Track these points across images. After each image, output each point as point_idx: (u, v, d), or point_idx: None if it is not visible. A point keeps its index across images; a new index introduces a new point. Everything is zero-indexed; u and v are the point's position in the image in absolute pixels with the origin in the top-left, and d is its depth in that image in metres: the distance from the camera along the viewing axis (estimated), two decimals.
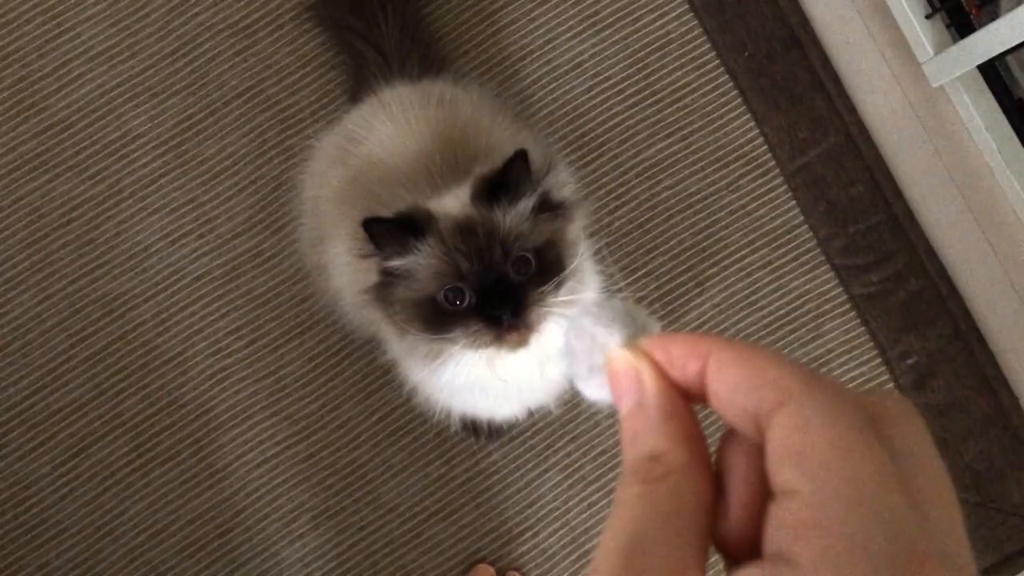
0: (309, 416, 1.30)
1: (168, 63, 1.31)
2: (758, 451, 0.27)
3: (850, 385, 1.33)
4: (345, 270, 1.01)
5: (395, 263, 0.83)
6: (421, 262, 0.81)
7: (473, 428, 1.27)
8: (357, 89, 1.24)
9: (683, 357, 0.30)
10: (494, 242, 0.81)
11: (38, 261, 1.29)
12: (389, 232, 0.82)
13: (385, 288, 0.84)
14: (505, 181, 0.82)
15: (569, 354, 0.35)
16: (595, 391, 0.35)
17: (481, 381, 0.88)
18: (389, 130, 0.99)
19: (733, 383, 0.28)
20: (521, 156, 0.81)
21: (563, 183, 1.05)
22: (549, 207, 0.86)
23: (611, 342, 0.33)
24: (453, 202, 0.84)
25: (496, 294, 0.80)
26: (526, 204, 0.83)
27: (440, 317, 0.81)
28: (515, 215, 0.82)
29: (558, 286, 0.82)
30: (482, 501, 1.30)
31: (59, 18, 1.31)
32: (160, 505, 1.28)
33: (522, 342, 0.81)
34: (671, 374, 0.31)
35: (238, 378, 1.30)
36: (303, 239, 1.13)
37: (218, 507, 1.28)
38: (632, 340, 0.33)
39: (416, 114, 1.00)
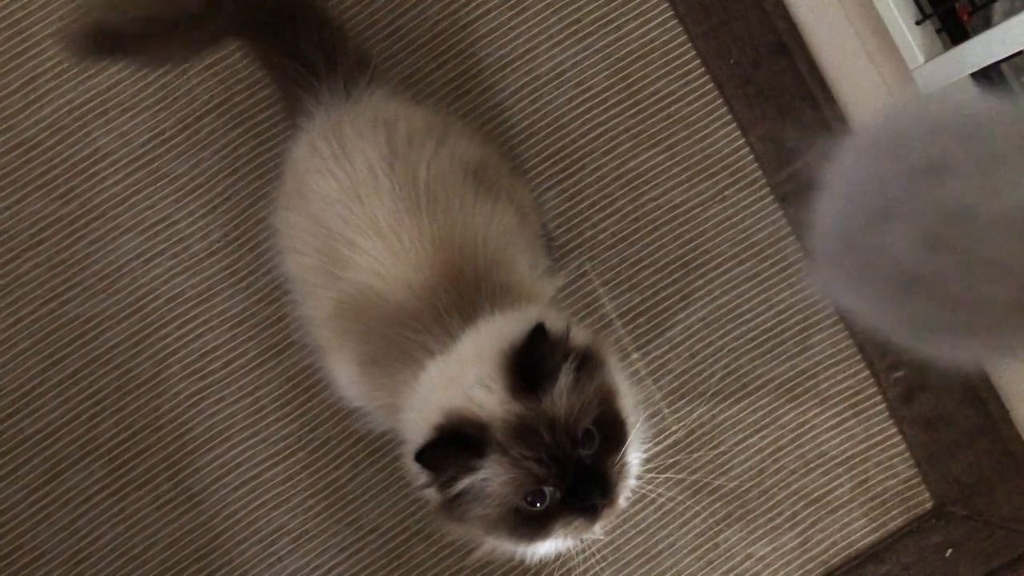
0: (287, 437, 1.28)
1: (137, 78, 1.28)
2: None
3: (838, 399, 1.31)
4: (354, 386, 0.96)
5: (460, 486, 0.78)
6: (490, 478, 0.77)
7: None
8: (292, 108, 1.10)
9: None
10: (559, 435, 0.77)
11: (8, 283, 1.26)
12: (445, 457, 0.77)
13: (454, 509, 0.80)
14: (537, 364, 0.77)
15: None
16: None
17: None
18: (380, 253, 0.90)
19: None
20: (539, 332, 0.76)
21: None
22: (583, 365, 0.81)
23: None
24: (489, 398, 0.78)
25: (580, 483, 0.77)
26: (565, 378, 0.79)
27: (528, 522, 0.79)
28: (561, 395, 0.78)
29: (627, 449, 0.81)
30: None
31: (23, 34, 1.27)
32: (137, 530, 1.26)
33: (615, 512, 0.81)
34: None
35: (214, 400, 1.28)
36: (303, 317, 1.03)
37: (196, 531, 1.27)
38: None
39: (407, 233, 0.90)
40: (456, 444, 0.77)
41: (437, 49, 1.30)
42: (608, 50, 1.32)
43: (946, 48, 1.25)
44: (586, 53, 1.32)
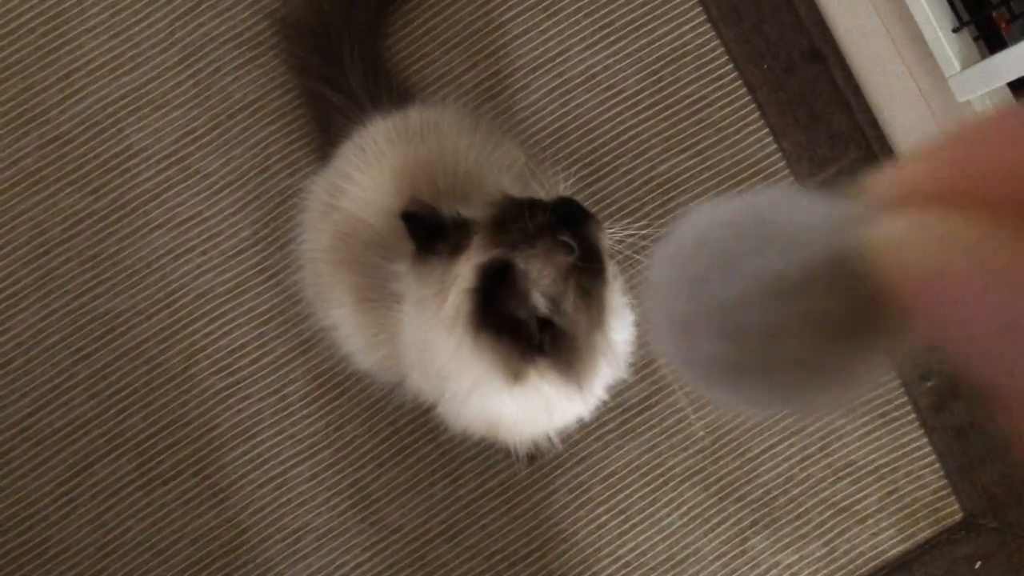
0: (314, 435, 1.28)
1: (171, 75, 1.29)
2: None
3: (868, 408, 1.30)
4: (353, 334, 0.97)
5: (539, 306, 0.79)
6: (537, 272, 0.79)
7: (531, 455, 1.25)
8: (326, 140, 1.19)
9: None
10: (514, 207, 0.82)
11: (40, 277, 1.27)
12: (500, 303, 0.79)
13: (563, 347, 0.80)
14: (435, 228, 0.82)
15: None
16: None
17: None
18: (364, 181, 0.96)
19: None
20: (407, 216, 0.82)
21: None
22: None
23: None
24: (461, 267, 0.81)
25: (566, 210, 0.82)
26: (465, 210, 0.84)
27: (590, 263, 0.82)
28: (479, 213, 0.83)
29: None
30: (488, 522, 1.28)
31: (60, 28, 1.28)
32: (164, 524, 1.27)
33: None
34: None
35: (242, 396, 1.28)
36: (307, 295, 1.09)
37: (222, 526, 1.27)
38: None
39: (387, 157, 0.96)
40: (495, 284, 0.79)
41: (470, 49, 1.30)
42: (640, 53, 1.31)
43: (983, 56, 1.23)
44: (618, 56, 1.32)
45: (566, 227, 0.80)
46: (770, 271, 0.28)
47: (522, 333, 0.78)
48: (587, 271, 0.81)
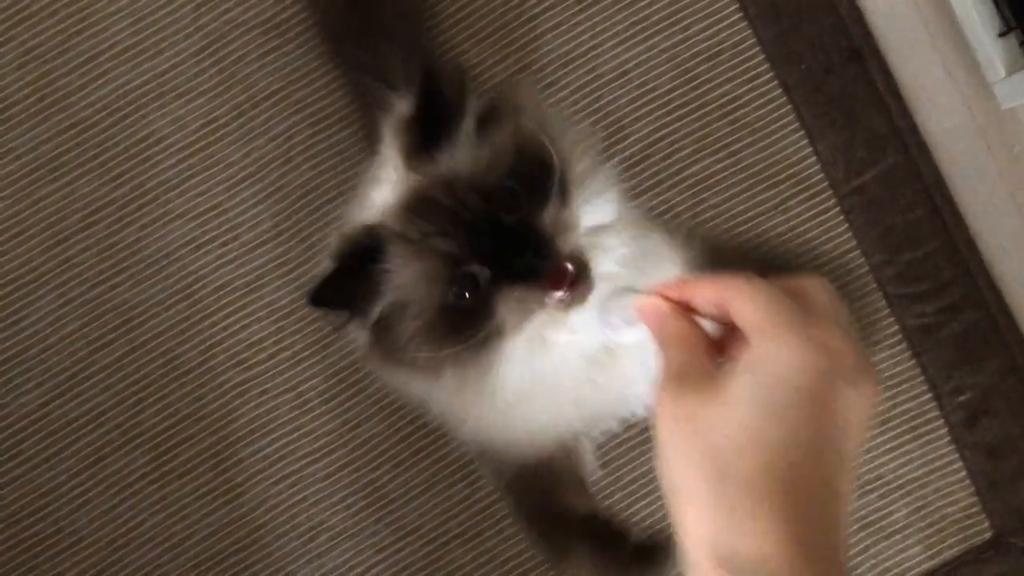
0: (330, 433, 1.26)
1: (194, 62, 1.26)
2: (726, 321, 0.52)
3: (898, 421, 1.27)
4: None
5: (377, 309, 0.65)
6: (402, 281, 0.63)
7: None
8: (373, 131, 1.14)
9: (675, 292, 0.53)
10: (462, 194, 0.62)
11: (58, 265, 1.25)
12: (344, 287, 0.65)
13: (386, 341, 0.67)
14: (433, 119, 0.63)
15: (606, 325, 0.59)
16: (631, 336, 0.58)
17: (547, 376, 0.71)
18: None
19: (706, 298, 0.52)
20: (429, 74, 0.63)
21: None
22: (490, 115, 0.67)
23: (631, 301, 0.55)
24: (382, 188, 0.65)
25: (509, 249, 0.61)
26: (467, 129, 0.64)
27: (469, 318, 0.64)
28: (461, 150, 0.64)
29: (563, 198, 0.64)
30: (505, 526, 1.26)
31: (82, 12, 1.25)
32: (177, 519, 1.25)
33: (581, 291, 0.65)
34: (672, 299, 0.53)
35: (258, 391, 1.26)
36: None
37: (235, 523, 1.25)
38: (642, 296, 0.54)
39: None
40: (351, 269, 0.64)
41: (501, 42, 1.27)
42: (674, 51, 1.28)
43: None
44: (651, 53, 1.28)
45: (505, 256, 0.62)
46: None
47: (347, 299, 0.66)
48: (462, 323, 0.64)
